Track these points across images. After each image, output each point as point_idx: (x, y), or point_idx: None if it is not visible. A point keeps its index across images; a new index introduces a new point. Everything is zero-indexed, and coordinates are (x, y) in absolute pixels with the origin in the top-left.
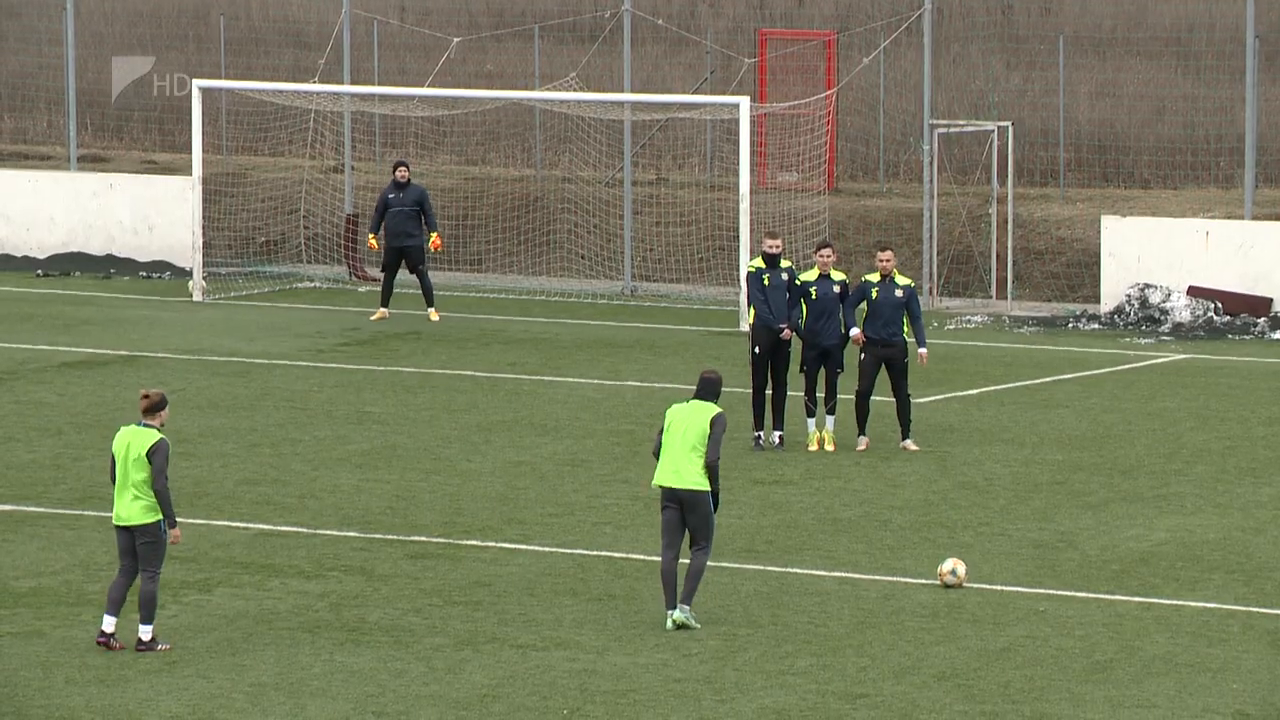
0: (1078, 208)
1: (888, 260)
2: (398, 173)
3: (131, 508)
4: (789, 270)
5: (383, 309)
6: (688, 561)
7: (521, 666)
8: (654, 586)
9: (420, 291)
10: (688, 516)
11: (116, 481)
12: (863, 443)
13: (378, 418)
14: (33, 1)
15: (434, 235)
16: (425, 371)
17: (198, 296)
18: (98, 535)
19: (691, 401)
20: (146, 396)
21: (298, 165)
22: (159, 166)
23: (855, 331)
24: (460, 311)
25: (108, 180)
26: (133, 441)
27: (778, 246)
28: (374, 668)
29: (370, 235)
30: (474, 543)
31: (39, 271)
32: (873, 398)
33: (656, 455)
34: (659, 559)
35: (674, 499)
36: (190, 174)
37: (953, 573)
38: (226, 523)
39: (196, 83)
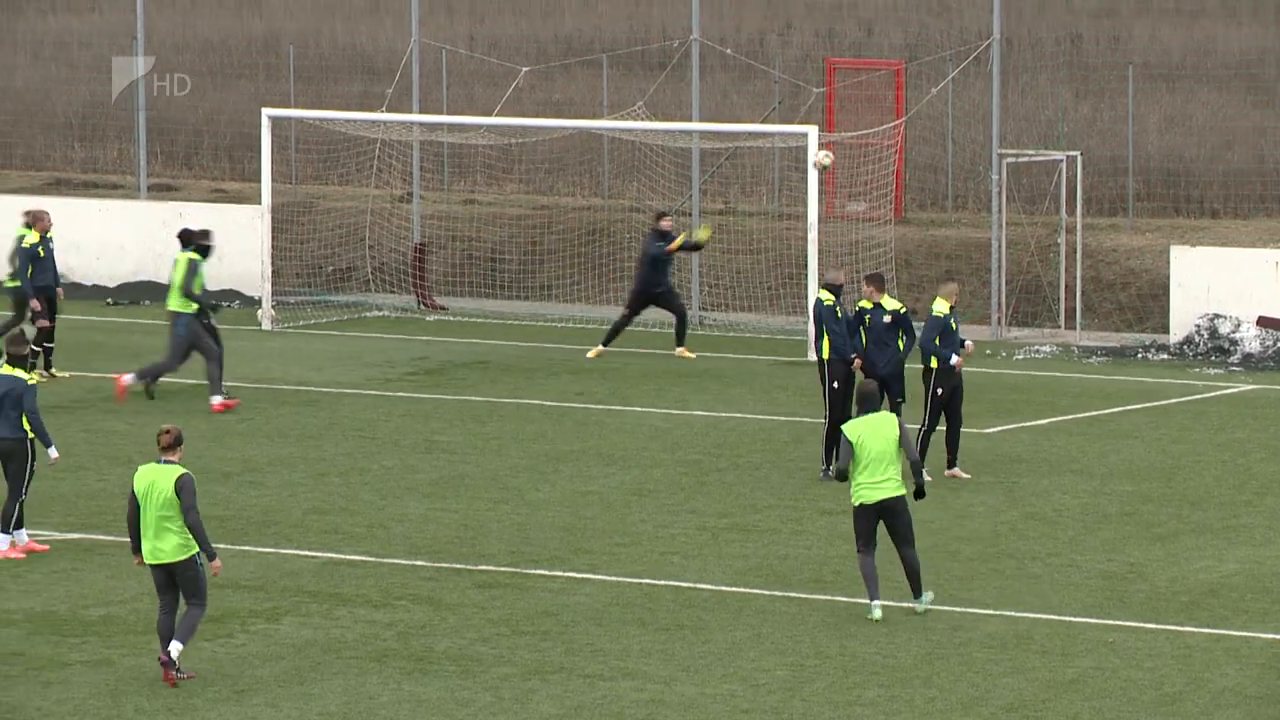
0: (1147, 238)
1: (958, 291)
2: (662, 222)
3: (166, 545)
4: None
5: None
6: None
7: (589, 696)
8: (722, 616)
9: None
10: (895, 522)
11: (143, 520)
12: (955, 471)
13: (446, 447)
14: (104, 32)
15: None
16: (493, 401)
17: (266, 325)
18: None
19: (868, 417)
20: (167, 432)
21: (366, 194)
22: (228, 195)
23: (955, 359)
24: (528, 341)
25: (177, 209)
26: (157, 479)
27: (844, 277)
28: (441, 697)
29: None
30: (541, 572)
31: (109, 300)
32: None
33: (844, 478)
34: (723, 589)
35: (883, 510)
36: (259, 203)
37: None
38: (294, 551)
39: (266, 111)
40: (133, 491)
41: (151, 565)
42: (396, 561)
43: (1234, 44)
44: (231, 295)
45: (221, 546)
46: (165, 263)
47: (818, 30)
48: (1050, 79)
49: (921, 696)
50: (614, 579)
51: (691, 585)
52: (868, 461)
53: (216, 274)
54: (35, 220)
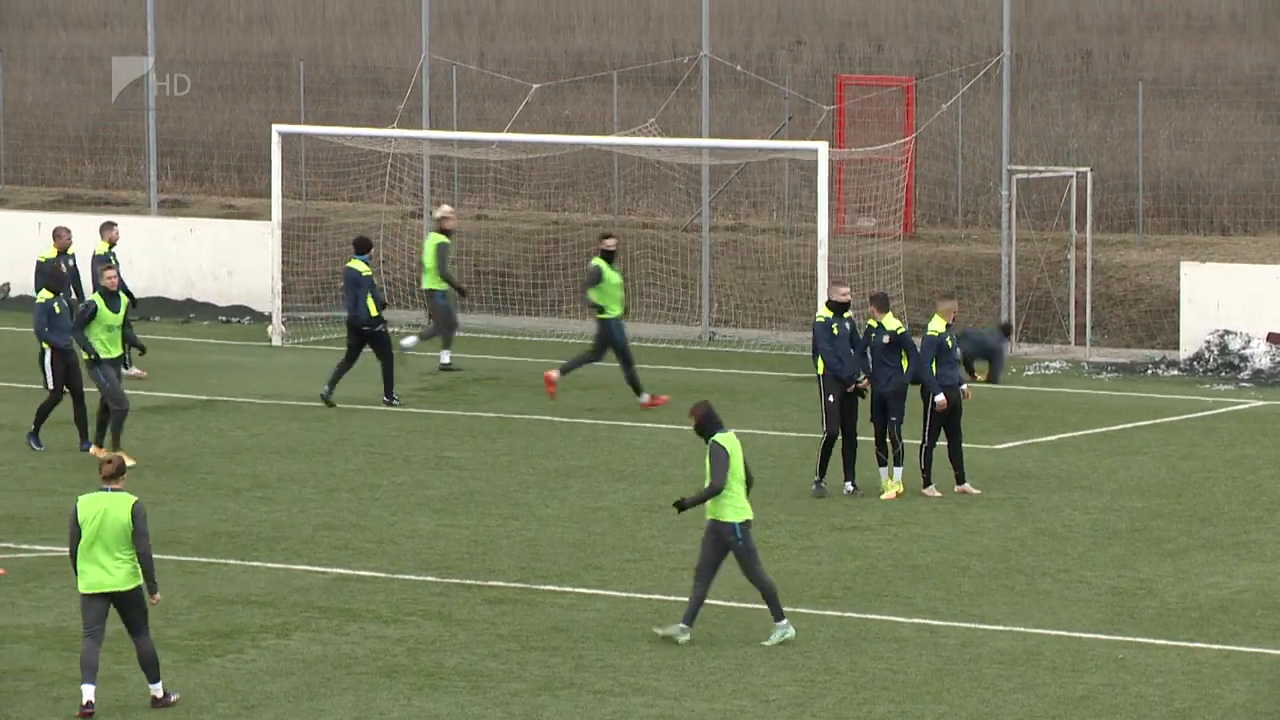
0: (1157, 254)
1: (955, 310)
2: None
3: (117, 574)
4: (851, 320)
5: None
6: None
7: (599, 712)
8: (732, 632)
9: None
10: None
11: (83, 548)
12: (965, 487)
13: (456, 463)
14: (115, 48)
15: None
16: (504, 416)
17: (277, 341)
18: (176, 580)
19: (729, 432)
20: (109, 462)
21: (376, 211)
22: (238, 211)
23: (941, 398)
24: (539, 357)
25: (188, 225)
26: (109, 507)
27: (847, 295)
28: (452, 713)
29: None
30: (551, 588)
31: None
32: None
33: (731, 485)
34: (733, 605)
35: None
36: (270, 219)
37: None
38: (305, 567)
39: (277, 128)
40: (77, 520)
41: (93, 595)
42: (407, 577)
43: (1244, 60)
44: (242, 311)
45: (231, 562)
46: (176, 278)
47: (828, 46)
48: (1060, 95)
49: (931, 712)
50: (624, 595)
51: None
52: (738, 476)
53: (226, 290)
54: (55, 237)
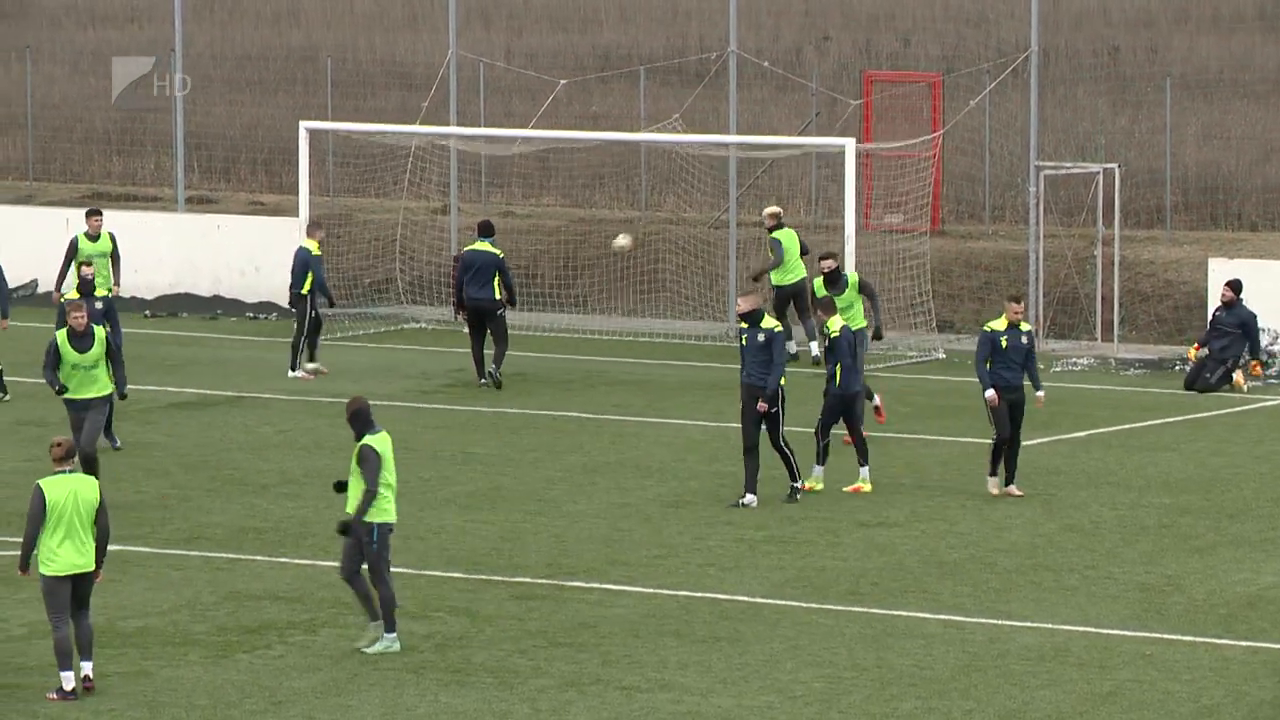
0: (1184, 250)
1: (1020, 311)
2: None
3: (87, 554)
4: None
5: None
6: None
7: (626, 708)
8: (759, 629)
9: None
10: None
11: (60, 531)
12: (1010, 488)
13: (483, 459)
14: (142, 44)
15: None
16: (530, 413)
17: None
18: (204, 576)
19: (382, 432)
20: (59, 444)
21: (403, 207)
22: (266, 208)
23: (991, 393)
24: (565, 353)
25: (215, 221)
26: (78, 489)
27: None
28: (478, 709)
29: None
30: (578, 584)
31: (147, 312)
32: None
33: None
34: (760, 601)
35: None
36: (297, 215)
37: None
38: (332, 563)
39: (304, 124)
40: (45, 503)
41: (63, 578)
42: (434, 573)
43: (1272, 56)
44: (269, 308)
45: (259, 558)
46: (203, 275)
47: (855, 42)
48: (1088, 91)
49: (959, 708)
50: (651, 591)
51: (728, 597)
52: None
53: (254, 287)
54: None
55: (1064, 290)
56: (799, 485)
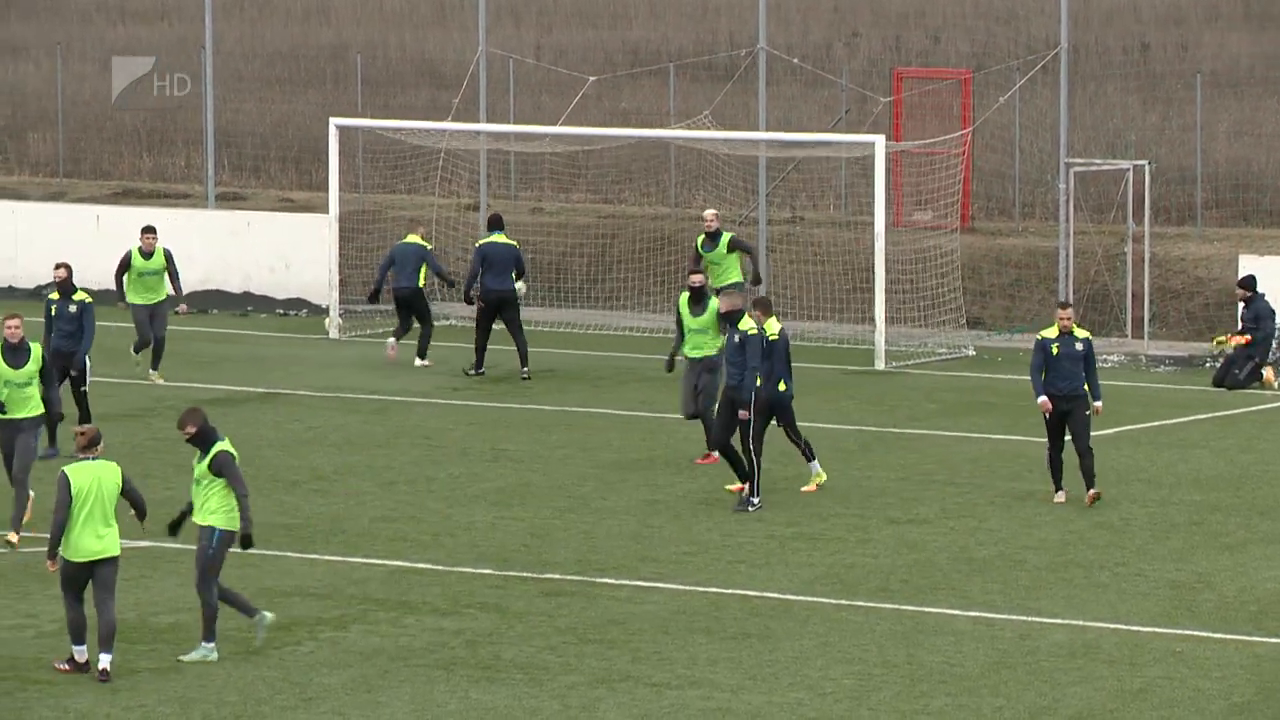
0: (1215, 246)
1: (1069, 318)
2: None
3: (109, 540)
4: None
5: None
6: None
7: (655, 705)
8: (789, 625)
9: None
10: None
11: (78, 519)
12: (1061, 496)
13: (513, 455)
14: (172, 41)
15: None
16: (560, 409)
17: (334, 334)
18: (235, 572)
19: (226, 439)
20: (84, 433)
21: (433, 204)
22: (296, 204)
23: (1043, 399)
24: (595, 350)
25: (245, 218)
26: (102, 476)
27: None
28: (509, 705)
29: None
30: (608, 581)
31: (178, 309)
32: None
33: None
34: (790, 597)
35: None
36: (327, 212)
37: None
38: (362, 559)
39: (334, 121)
40: (70, 492)
41: (86, 562)
42: (464, 570)
43: None
44: (300, 304)
45: (289, 555)
46: (234, 272)
47: (885, 39)
48: (1118, 88)
49: (989, 705)
50: (681, 587)
51: (758, 594)
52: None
53: (284, 283)
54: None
55: (1094, 287)
56: (755, 500)
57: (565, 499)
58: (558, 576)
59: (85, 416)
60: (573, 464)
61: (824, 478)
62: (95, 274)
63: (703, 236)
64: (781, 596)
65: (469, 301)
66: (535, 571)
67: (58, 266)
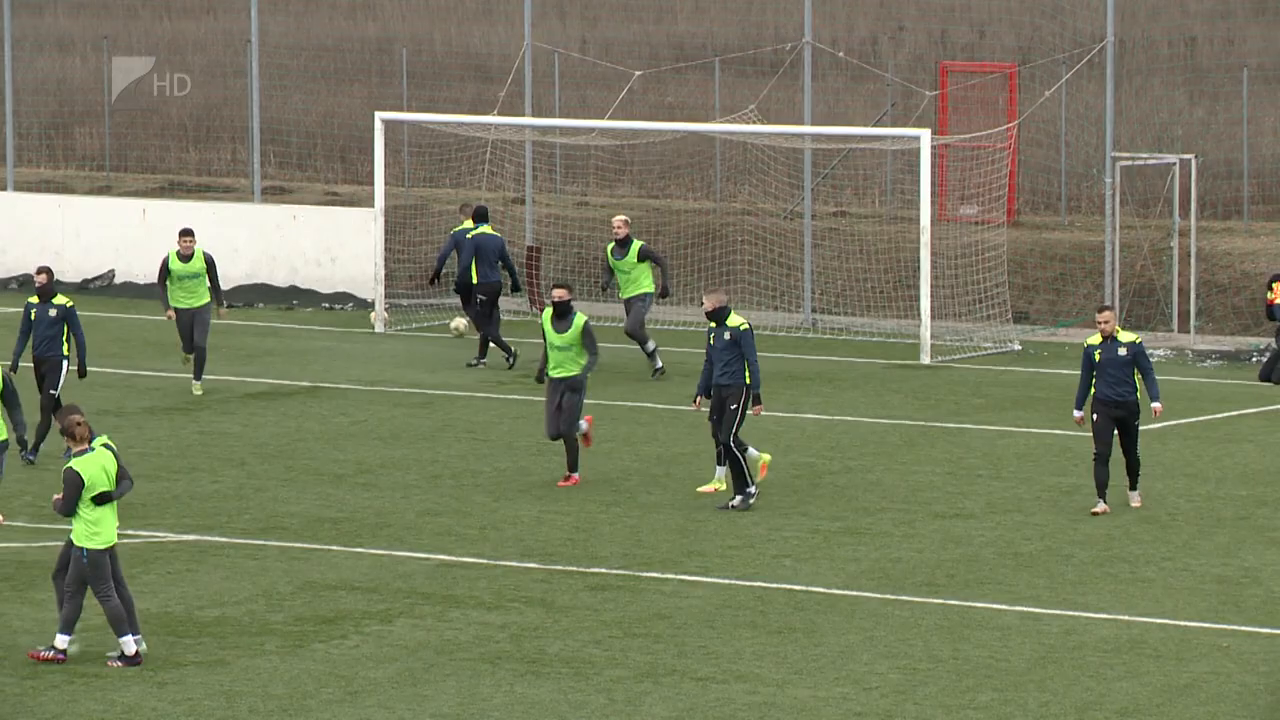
0: (1261, 241)
1: (1106, 321)
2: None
3: (114, 526)
4: (734, 329)
5: None
6: None
7: (701, 699)
8: (834, 619)
9: None
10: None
11: (100, 506)
12: (1101, 507)
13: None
14: (218, 36)
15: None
16: (606, 404)
17: (380, 328)
18: (280, 565)
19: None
20: (81, 425)
21: (478, 197)
22: (341, 198)
23: (1078, 414)
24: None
25: (291, 212)
26: (104, 464)
27: (713, 302)
28: (554, 699)
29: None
30: (654, 575)
31: (223, 303)
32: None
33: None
34: (835, 592)
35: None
36: (372, 206)
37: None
38: (408, 553)
39: (379, 115)
40: (83, 484)
41: (108, 549)
42: (509, 563)
43: None
44: (345, 298)
45: (335, 548)
46: (279, 265)
47: (930, 33)
48: (1164, 82)
49: (1035, 700)
50: (726, 581)
51: (804, 588)
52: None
53: (330, 277)
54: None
55: (1140, 282)
56: (744, 496)
57: (611, 493)
58: (603, 571)
59: (47, 422)
60: (618, 458)
61: (723, 485)
62: (142, 267)
63: (612, 244)
64: (827, 591)
65: (460, 293)
66: (581, 566)
67: (39, 271)
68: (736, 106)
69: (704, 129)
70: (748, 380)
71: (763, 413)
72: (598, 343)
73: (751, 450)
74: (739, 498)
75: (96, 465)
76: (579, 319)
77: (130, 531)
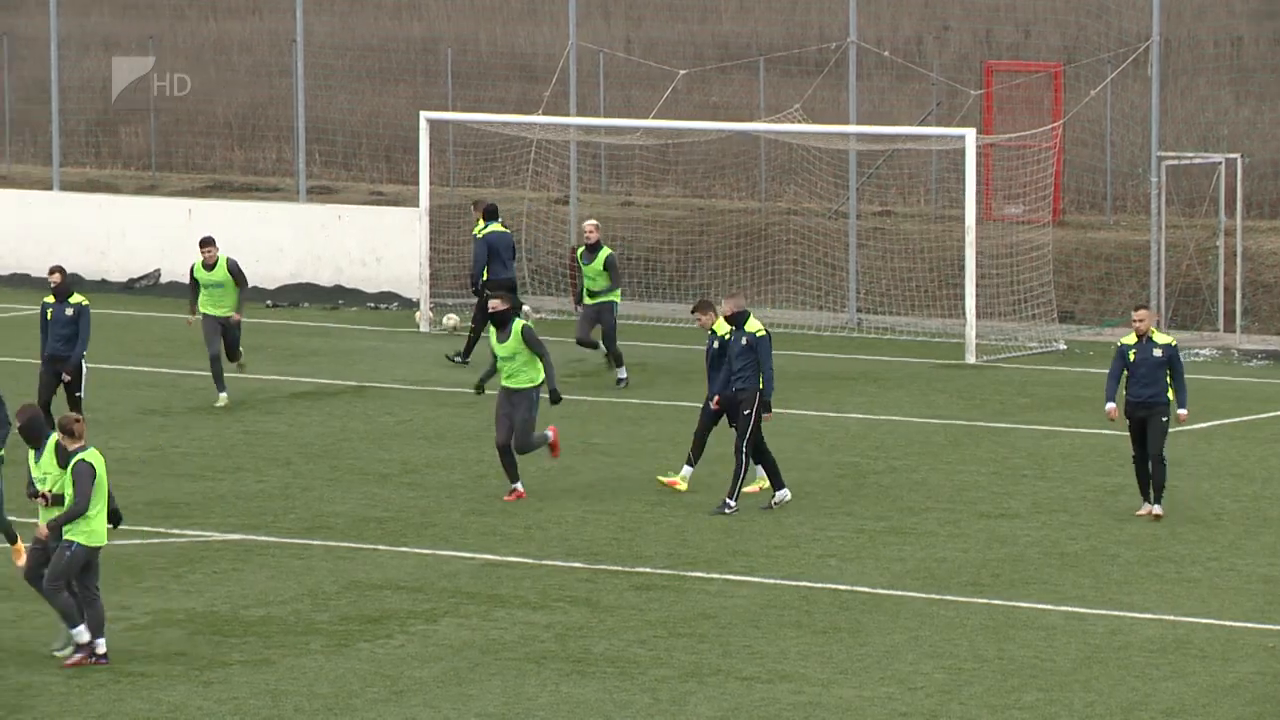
0: None
1: (1141, 320)
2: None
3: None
4: (750, 335)
5: None
6: None
7: (746, 699)
8: (879, 619)
9: None
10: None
11: (100, 504)
12: (1146, 509)
13: (603, 449)
14: (264, 36)
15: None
16: (649, 403)
17: (424, 327)
18: (325, 565)
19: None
20: (79, 421)
21: (523, 197)
22: (386, 198)
23: (1110, 406)
24: (685, 343)
25: (336, 212)
26: (104, 462)
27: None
28: (599, 699)
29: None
30: (699, 574)
31: (268, 302)
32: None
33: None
34: (880, 591)
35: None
36: (417, 205)
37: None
38: (453, 553)
39: (424, 115)
40: (95, 473)
41: (97, 548)
42: (554, 563)
43: None
44: (390, 298)
45: (380, 548)
46: (325, 265)
47: (975, 32)
48: (1209, 81)
49: (1080, 700)
50: (771, 581)
51: (849, 588)
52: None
53: (375, 276)
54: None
55: (1186, 281)
56: (732, 504)
57: (656, 493)
58: (648, 570)
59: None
60: (663, 457)
61: (765, 484)
62: (187, 267)
63: (583, 248)
64: (872, 590)
65: (478, 294)
66: (626, 565)
67: (53, 271)
68: (781, 106)
69: (749, 129)
70: (761, 385)
71: (772, 419)
72: (543, 343)
73: (756, 469)
74: (723, 504)
75: (101, 460)
76: (517, 325)
77: (176, 531)
